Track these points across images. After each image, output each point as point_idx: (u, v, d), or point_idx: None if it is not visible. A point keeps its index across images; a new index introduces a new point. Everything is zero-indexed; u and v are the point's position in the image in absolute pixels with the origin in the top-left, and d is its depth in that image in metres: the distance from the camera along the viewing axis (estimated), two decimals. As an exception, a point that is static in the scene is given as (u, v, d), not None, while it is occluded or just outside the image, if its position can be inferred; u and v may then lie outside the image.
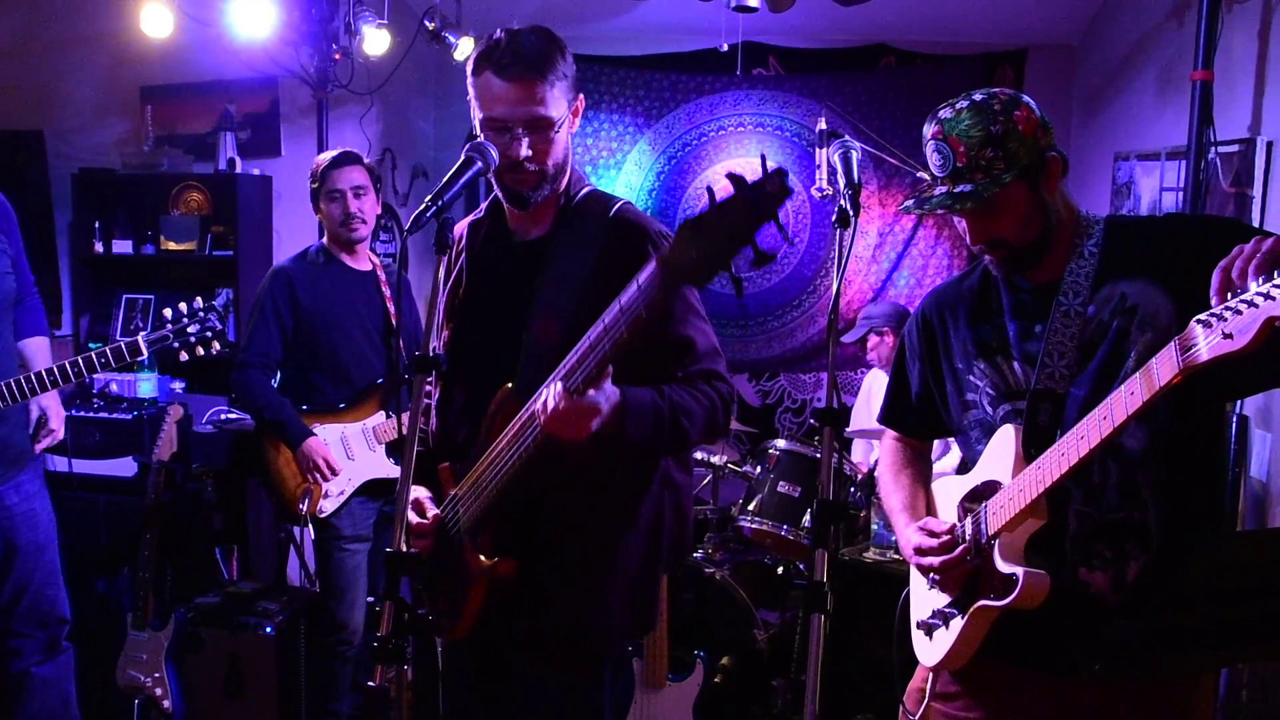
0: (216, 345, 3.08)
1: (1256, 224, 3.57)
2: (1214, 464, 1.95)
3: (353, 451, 3.48)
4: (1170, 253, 1.81)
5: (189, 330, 3.03)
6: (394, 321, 3.56)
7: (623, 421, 1.88)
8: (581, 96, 2.12)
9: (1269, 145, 3.53)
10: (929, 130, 1.91)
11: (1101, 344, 1.84)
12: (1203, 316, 1.49)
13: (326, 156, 3.59)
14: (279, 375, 3.59)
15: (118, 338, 4.95)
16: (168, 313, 3.04)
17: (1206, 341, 1.47)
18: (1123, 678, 1.87)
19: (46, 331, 3.29)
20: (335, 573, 3.49)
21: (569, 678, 2.12)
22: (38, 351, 3.20)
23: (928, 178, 1.94)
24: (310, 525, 3.46)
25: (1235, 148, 3.68)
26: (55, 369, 2.90)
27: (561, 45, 2.07)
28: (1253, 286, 1.42)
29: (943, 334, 2.10)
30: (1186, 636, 1.68)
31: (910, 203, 1.96)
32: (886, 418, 2.30)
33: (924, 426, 2.24)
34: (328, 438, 3.45)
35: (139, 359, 2.98)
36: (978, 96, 1.90)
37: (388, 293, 3.59)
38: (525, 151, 2.02)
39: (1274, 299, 1.38)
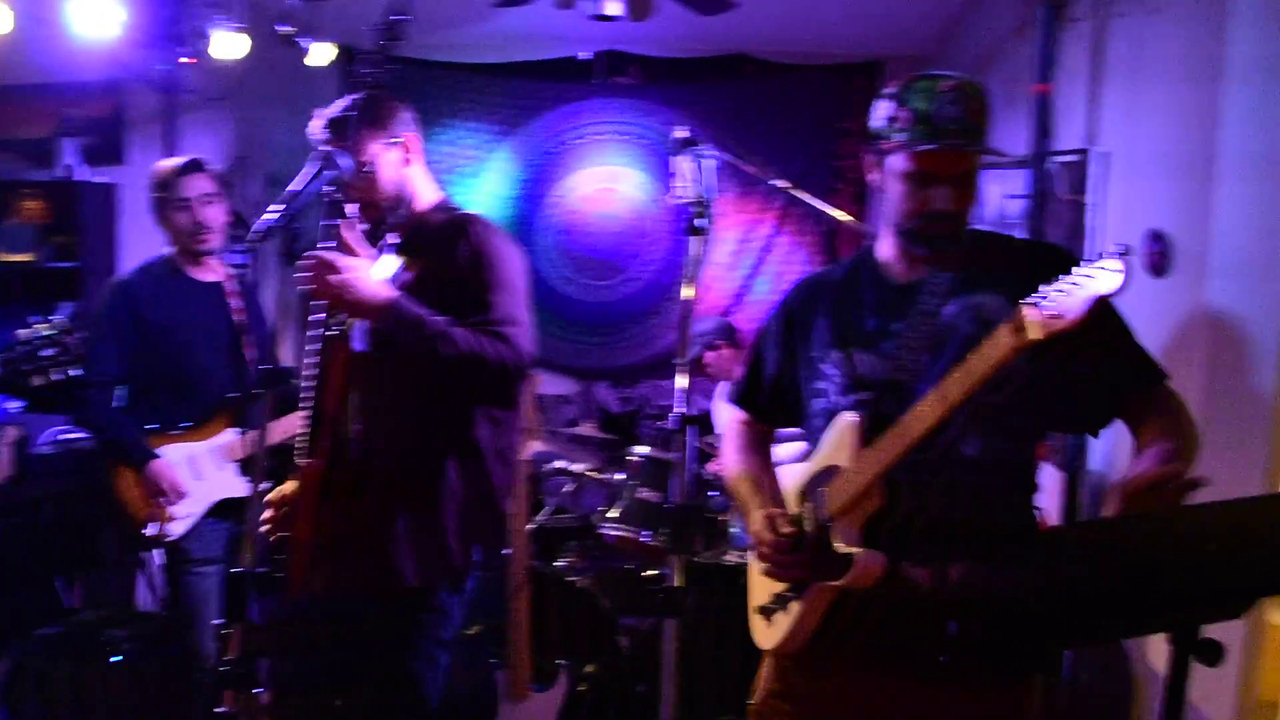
0: (73, 371, 2.92)
1: (1090, 229, 3.75)
2: (1036, 472, 2.06)
3: (201, 471, 3.36)
4: (1032, 279, 1.88)
5: (42, 354, 2.84)
6: (241, 334, 3.46)
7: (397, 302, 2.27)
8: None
9: (1103, 156, 3.71)
10: (944, 85, 1.91)
11: (951, 346, 1.91)
12: (1030, 299, 1.62)
13: (171, 164, 3.45)
14: (122, 394, 3.45)
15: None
16: (21, 334, 2.84)
17: (1036, 318, 1.60)
18: (968, 672, 1.94)
19: None
20: (186, 596, 3.37)
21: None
22: None
23: (897, 135, 1.94)
24: (159, 549, 3.33)
25: (1072, 157, 3.86)
26: None
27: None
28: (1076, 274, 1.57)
29: (803, 322, 2.15)
30: (1029, 628, 1.76)
31: (926, 148, 1.91)
32: (739, 399, 2.34)
33: (775, 412, 2.28)
34: (174, 458, 3.33)
35: None
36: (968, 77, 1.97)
37: (236, 304, 3.48)
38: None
39: (1093, 278, 1.54)
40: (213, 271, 3.52)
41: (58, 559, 4.24)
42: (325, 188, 2.20)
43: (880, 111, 1.99)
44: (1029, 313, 1.62)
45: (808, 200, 4.14)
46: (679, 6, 4.48)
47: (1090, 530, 2.04)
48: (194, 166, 3.42)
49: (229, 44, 4.63)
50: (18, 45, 4.60)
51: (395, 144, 2.44)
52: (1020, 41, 4.21)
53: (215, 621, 3.39)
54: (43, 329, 2.87)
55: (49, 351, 2.86)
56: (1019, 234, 3.76)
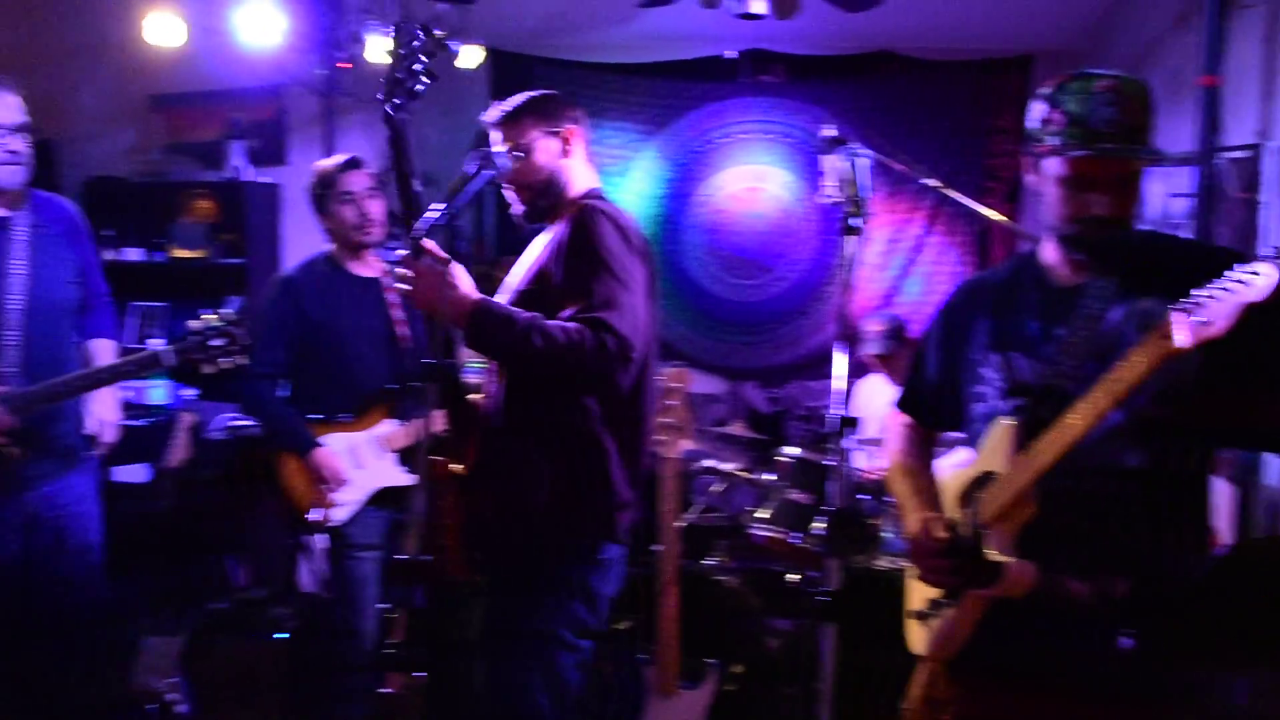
0: (241, 359, 3.08)
1: (1263, 229, 3.58)
2: (1207, 489, 1.97)
3: (362, 460, 3.48)
4: (1199, 283, 1.81)
5: (213, 343, 3.02)
6: (401, 328, 3.56)
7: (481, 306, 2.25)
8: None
9: (1278, 151, 3.54)
10: (1099, 85, 1.85)
11: (1114, 352, 1.85)
12: (1179, 305, 1.59)
13: (332, 161, 3.59)
14: (288, 385, 3.59)
15: (132, 345, 4.99)
16: (193, 324, 3.02)
17: (1186, 326, 1.56)
18: (1133, 692, 1.87)
19: (113, 335, 3.30)
20: (346, 581, 3.49)
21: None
22: (100, 353, 3.22)
23: (1052, 139, 1.89)
24: (322, 533, 3.45)
25: (1243, 154, 3.69)
26: (82, 375, 2.93)
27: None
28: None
29: (964, 325, 2.11)
30: (1198, 649, 1.70)
31: (1081, 153, 1.86)
32: (903, 404, 2.32)
33: (938, 416, 2.25)
34: (337, 447, 3.45)
35: (162, 369, 3.00)
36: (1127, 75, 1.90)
37: (394, 298, 3.58)
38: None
39: (1246, 283, 1.51)
40: (371, 267, 3.64)
41: (228, 539, 4.44)
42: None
43: (1034, 113, 1.95)
44: (1177, 319, 1.58)
45: (959, 199, 4.07)
46: (825, 3, 4.44)
47: (1266, 549, 1.96)
48: (354, 163, 3.55)
49: (384, 48, 4.77)
50: (190, 56, 4.85)
51: (555, 134, 2.48)
52: (1184, 31, 4.05)
53: (380, 605, 3.53)
54: (212, 320, 3.03)
55: (218, 341, 3.02)
56: (1185, 234, 3.61)
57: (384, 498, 3.51)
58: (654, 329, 2.41)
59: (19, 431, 2.84)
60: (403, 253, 2.28)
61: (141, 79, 5.21)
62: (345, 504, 3.44)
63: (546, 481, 2.29)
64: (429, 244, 2.26)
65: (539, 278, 2.38)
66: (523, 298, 2.38)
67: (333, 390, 3.52)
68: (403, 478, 3.50)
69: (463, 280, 2.27)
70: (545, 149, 2.46)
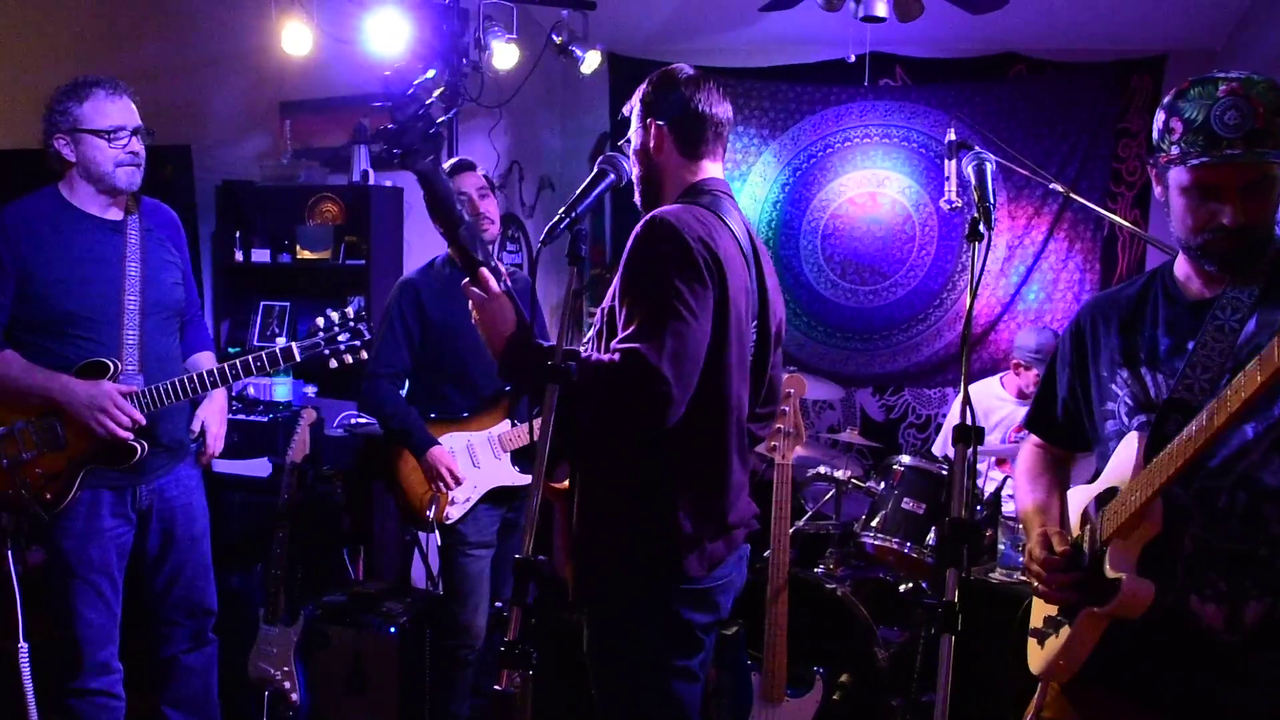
0: (364, 354, 3.17)
1: None
2: None
3: (478, 459, 3.53)
4: None
5: (339, 339, 3.13)
6: None
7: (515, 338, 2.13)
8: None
9: None
10: (1222, 88, 1.78)
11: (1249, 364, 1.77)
12: None
13: (445, 164, 3.66)
14: (407, 384, 3.67)
15: (256, 343, 5.17)
16: (320, 321, 3.13)
17: None
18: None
19: (212, 347, 3.43)
20: (459, 578, 3.55)
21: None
22: (204, 364, 3.34)
23: (1173, 148, 1.82)
24: (436, 531, 3.52)
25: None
26: (215, 370, 3.03)
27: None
28: None
29: (1093, 341, 2.05)
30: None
31: (1201, 161, 1.79)
32: (1031, 423, 2.26)
33: (1067, 435, 2.19)
34: (454, 446, 3.51)
35: (291, 364, 3.10)
36: (1256, 75, 1.81)
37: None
38: None
39: None
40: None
41: (345, 533, 4.56)
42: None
43: (1156, 122, 1.88)
44: None
45: (1084, 204, 3.95)
46: (947, 6, 4.35)
47: None
48: (466, 165, 3.63)
49: (505, 55, 4.84)
50: (319, 63, 4.99)
51: (644, 128, 2.32)
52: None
53: (498, 604, 3.58)
54: (336, 318, 3.13)
55: (344, 337, 3.12)
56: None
57: (497, 496, 3.57)
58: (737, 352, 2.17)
59: (144, 428, 2.97)
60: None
61: (272, 86, 5.38)
62: (460, 502, 3.50)
63: (607, 517, 2.18)
64: (484, 273, 2.18)
65: (613, 296, 2.15)
66: (604, 318, 2.20)
67: (451, 390, 3.59)
68: (516, 478, 3.56)
69: (505, 311, 2.16)
70: (640, 139, 2.32)
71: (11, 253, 2.91)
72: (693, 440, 2.09)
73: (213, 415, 3.29)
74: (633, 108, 2.33)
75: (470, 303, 2.20)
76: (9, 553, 3.25)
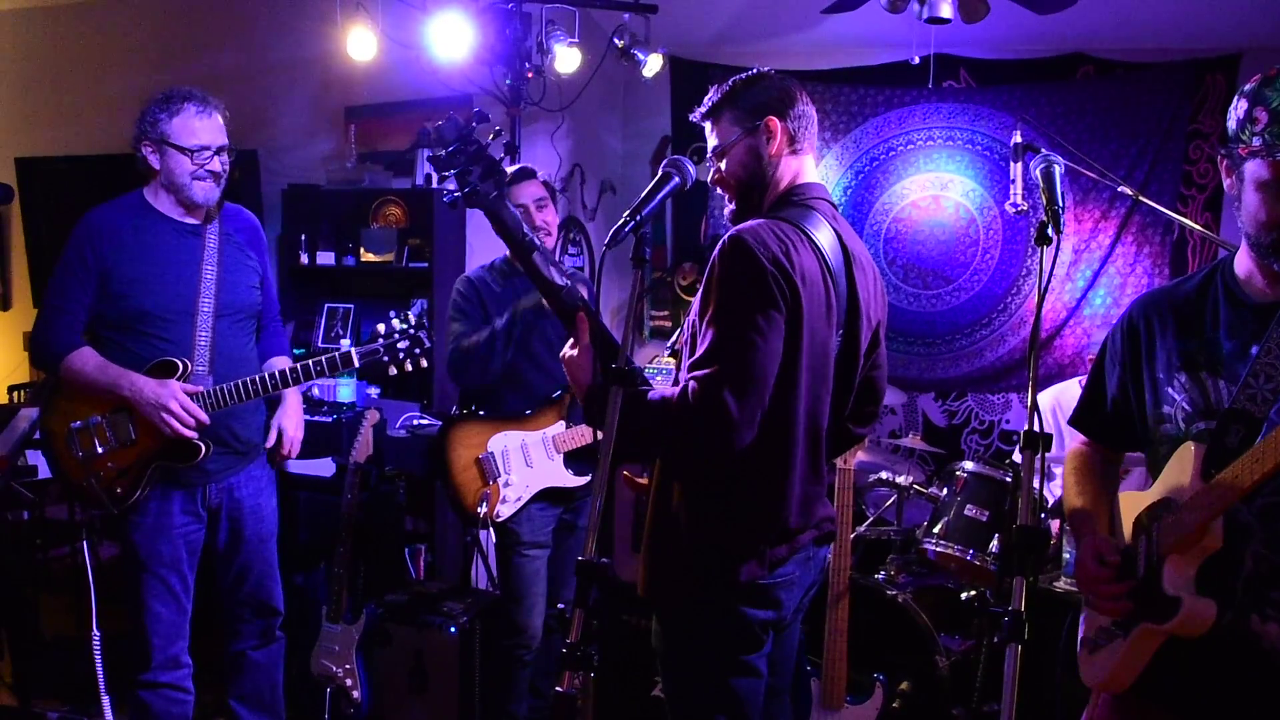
0: (424, 362, 3.21)
1: None
2: None
3: (531, 459, 3.55)
4: None
5: (399, 346, 3.17)
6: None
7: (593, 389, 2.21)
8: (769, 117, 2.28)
9: None
10: None
11: None
12: None
13: (507, 172, 3.68)
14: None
15: (321, 344, 5.24)
16: (381, 328, 3.18)
17: None
18: None
19: (288, 353, 3.50)
20: (514, 578, 3.57)
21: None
22: (278, 369, 3.40)
23: (1254, 139, 1.76)
24: (491, 529, 3.54)
25: None
26: (276, 374, 3.09)
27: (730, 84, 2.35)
28: None
29: (1148, 340, 1.99)
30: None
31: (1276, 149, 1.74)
32: (1078, 421, 2.20)
33: (1116, 435, 2.13)
34: (508, 444, 3.53)
35: (351, 369, 3.15)
36: None
37: None
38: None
39: None
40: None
41: (407, 533, 4.61)
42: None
43: (1235, 111, 1.80)
44: None
45: (1153, 207, 3.88)
46: (1013, 6, 4.29)
47: None
48: (526, 174, 3.63)
49: (567, 58, 4.86)
50: (384, 68, 5.06)
51: (751, 129, 2.28)
52: None
53: (560, 605, 3.60)
54: (398, 324, 3.17)
55: (404, 345, 3.16)
56: None
57: (552, 497, 3.58)
58: (812, 373, 2.17)
59: (209, 428, 3.04)
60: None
61: (337, 91, 5.46)
62: (511, 501, 3.52)
63: (673, 518, 2.23)
64: (580, 321, 2.23)
65: (696, 311, 2.20)
66: (690, 330, 2.25)
67: (507, 390, 3.61)
68: (569, 479, 3.57)
69: (585, 359, 2.23)
70: (741, 145, 2.29)
71: (95, 253, 3.02)
72: (756, 452, 2.11)
73: (289, 419, 3.36)
74: (718, 114, 2.31)
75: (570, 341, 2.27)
76: (84, 545, 3.35)
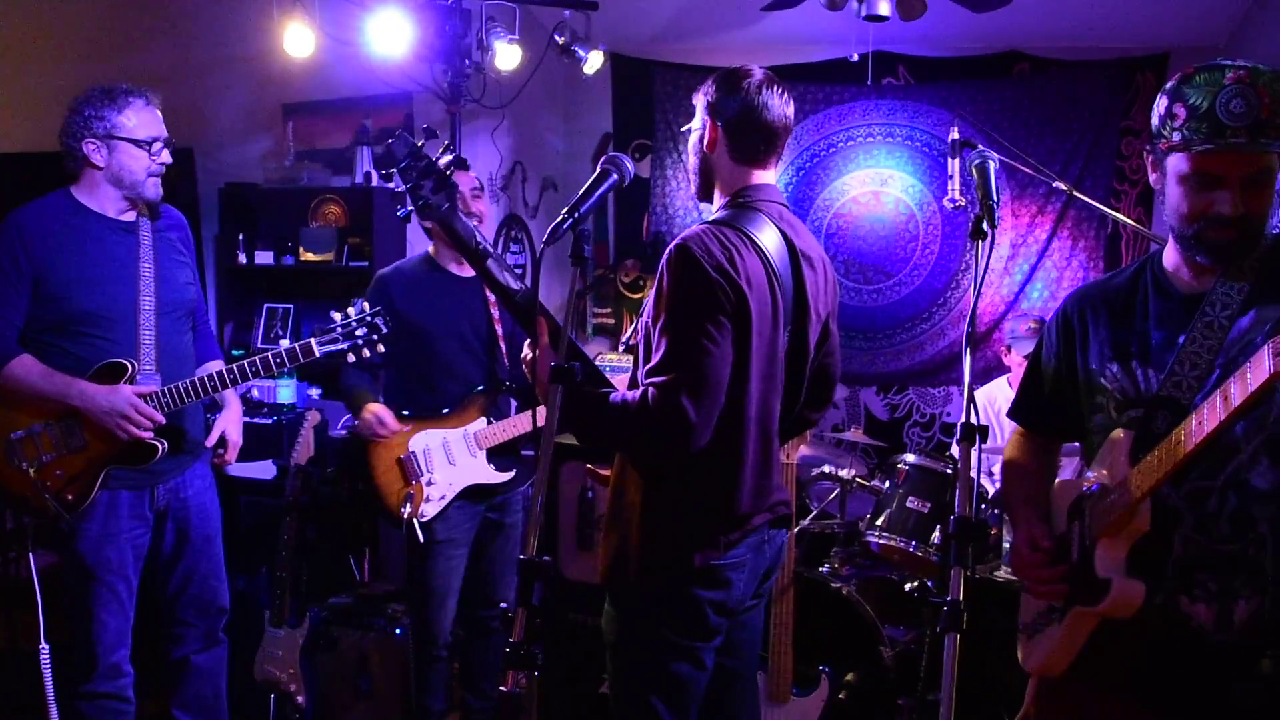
0: (382, 348, 3.17)
1: None
2: None
3: (454, 457, 3.52)
4: None
5: (358, 333, 3.13)
6: (497, 329, 3.60)
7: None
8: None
9: None
10: (1229, 76, 1.75)
11: (1240, 363, 1.76)
12: None
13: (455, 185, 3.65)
14: (384, 380, 3.68)
15: (260, 345, 5.17)
16: (337, 316, 3.14)
17: None
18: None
19: (220, 356, 3.44)
20: (429, 575, 3.52)
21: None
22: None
23: (1174, 135, 1.80)
24: (418, 529, 3.47)
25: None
26: (233, 369, 3.03)
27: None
28: None
29: (1081, 332, 2.04)
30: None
31: (1204, 148, 1.76)
32: (1016, 412, 2.25)
33: (1053, 425, 2.18)
34: (429, 443, 3.50)
35: (311, 360, 3.10)
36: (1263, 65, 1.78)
37: (493, 298, 3.61)
38: None
39: None
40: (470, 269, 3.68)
41: (351, 535, 4.56)
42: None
43: (1158, 107, 1.84)
44: None
45: (1088, 203, 3.95)
46: (950, 4, 4.35)
47: None
48: (459, 164, 3.60)
49: (508, 55, 4.84)
50: (322, 65, 4.99)
51: (701, 124, 2.34)
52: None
53: (502, 604, 3.57)
54: (353, 314, 3.14)
55: (363, 331, 3.13)
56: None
57: (474, 494, 3.55)
58: (760, 377, 2.22)
59: (164, 427, 2.99)
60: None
61: (275, 89, 5.38)
62: (435, 500, 3.49)
63: (628, 506, 2.28)
64: (541, 325, 2.25)
65: (648, 315, 2.25)
66: (644, 333, 2.28)
67: (423, 388, 3.58)
68: (492, 475, 3.54)
69: (545, 360, 2.24)
70: (695, 135, 2.37)
71: (27, 255, 2.93)
72: (710, 449, 2.16)
73: (232, 423, 3.29)
74: (699, 100, 2.37)
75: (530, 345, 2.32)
76: (31, 555, 3.27)
